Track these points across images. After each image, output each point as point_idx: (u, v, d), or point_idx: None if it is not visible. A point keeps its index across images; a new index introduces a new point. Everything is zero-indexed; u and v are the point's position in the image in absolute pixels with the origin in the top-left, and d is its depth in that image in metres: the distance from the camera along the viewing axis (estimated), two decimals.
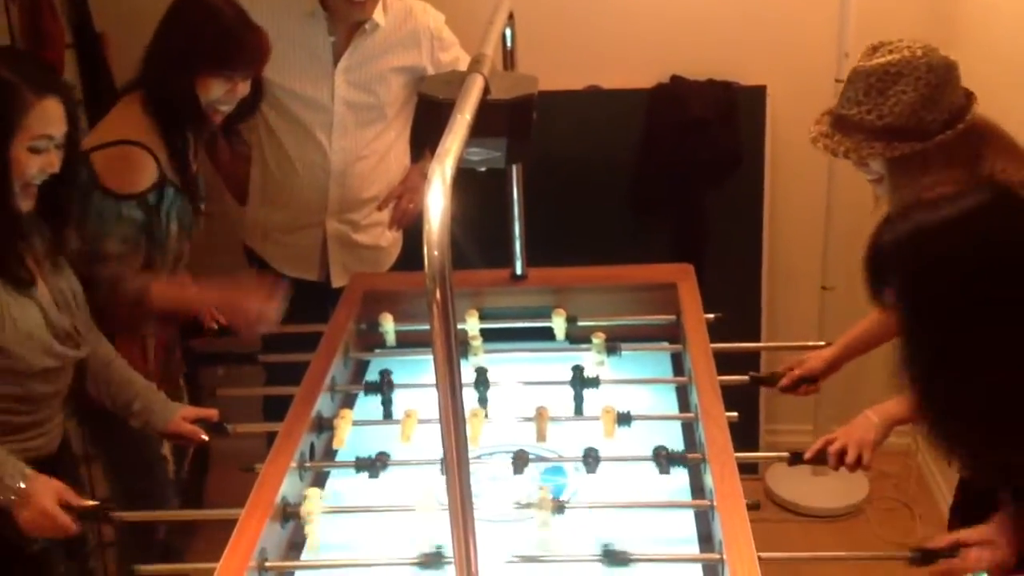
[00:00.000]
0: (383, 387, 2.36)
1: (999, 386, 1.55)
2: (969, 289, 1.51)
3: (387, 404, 2.35)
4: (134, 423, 2.34)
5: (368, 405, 2.38)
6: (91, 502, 2.06)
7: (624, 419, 2.21)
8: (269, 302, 2.50)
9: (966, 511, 2.15)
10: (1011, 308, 1.48)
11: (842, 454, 2.15)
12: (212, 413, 2.36)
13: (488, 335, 2.57)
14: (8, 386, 2.05)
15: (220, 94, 2.46)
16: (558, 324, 2.59)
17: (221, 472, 3.24)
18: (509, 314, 2.65)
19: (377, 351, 2.64)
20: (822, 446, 2.17)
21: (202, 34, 2.44)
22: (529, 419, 2.25)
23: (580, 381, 2.33)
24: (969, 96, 2.09)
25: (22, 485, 1.97)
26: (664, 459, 2.09)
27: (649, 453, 2.12)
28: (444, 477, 1.37)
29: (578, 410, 2.31)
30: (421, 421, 2.22)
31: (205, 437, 2.33)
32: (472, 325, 2.56)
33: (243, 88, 2.50)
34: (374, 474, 2.11)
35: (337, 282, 3.04)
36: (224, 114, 2.52)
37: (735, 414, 2.21)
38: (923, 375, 1.61)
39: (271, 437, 2.19)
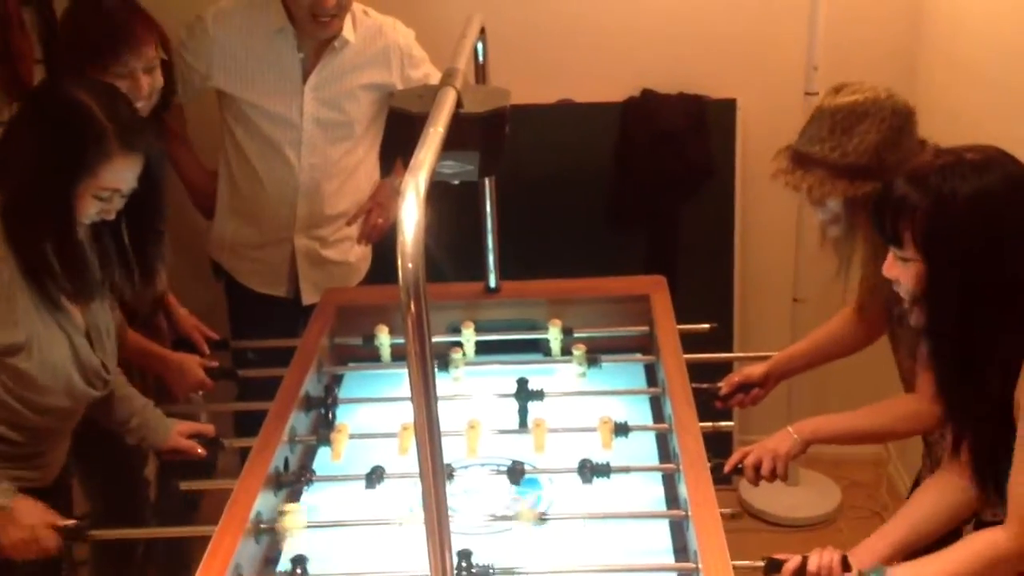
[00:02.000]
0: (327, 400, 2.37)
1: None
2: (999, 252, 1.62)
3: (328, 417, 2.36)
4: (130, 439, 2.31)
5: (360, 418, 2.37)
6: (71, 520, 2.03)
7: (621, 429, 2.21)
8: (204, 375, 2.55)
9: None
10: None
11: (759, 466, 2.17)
12: (208, 428, 2.34)
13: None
14: (16, 415, 2.02)
15: (124, 88, 2.31)
16: (554, 335, 2.58)
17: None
18: (486, 327, 2.64)
19: (351, 364, 2.63)
20: (739, 459, 2.18)
21: (85, 30, 2.40)
22: (504, 431, 2.26)
23: (525, 394, 2.35)
24: (923, 144, 2.12)
25: (9, 505, 1.95)
26: (588, 470, 2.09)
27: (623, 463, 2.11)
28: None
29: (522, 423, 2.31)
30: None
31: (203, 452, 2.30)
32: (467, 336, 2.57)
33: (149, 80, 2.43)
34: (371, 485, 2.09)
35: (307, 299, 3.02)
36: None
37: (709, 424, 2.22)
38: (947, 331, 1.68)
39: (245, 452, 2.18)
